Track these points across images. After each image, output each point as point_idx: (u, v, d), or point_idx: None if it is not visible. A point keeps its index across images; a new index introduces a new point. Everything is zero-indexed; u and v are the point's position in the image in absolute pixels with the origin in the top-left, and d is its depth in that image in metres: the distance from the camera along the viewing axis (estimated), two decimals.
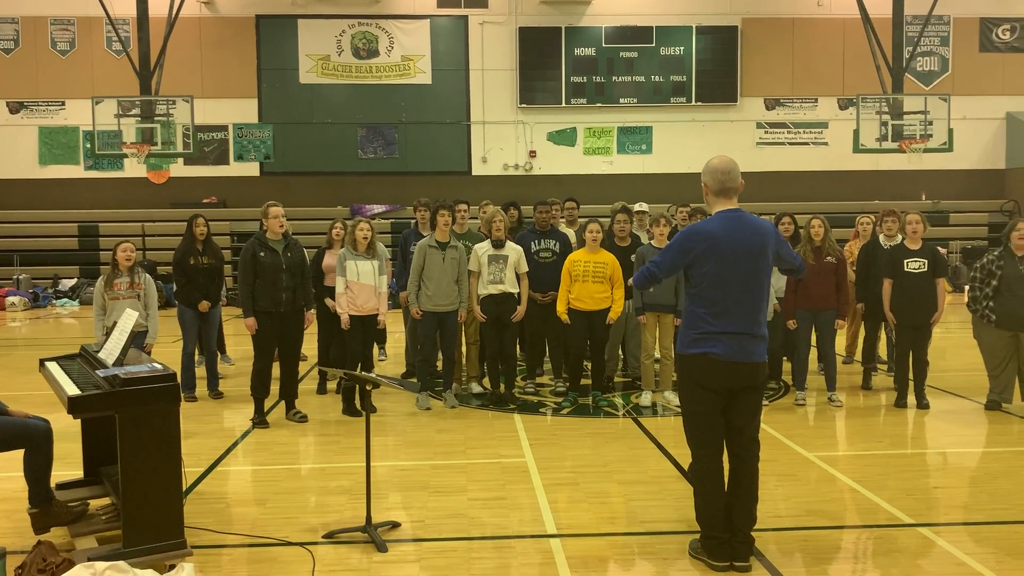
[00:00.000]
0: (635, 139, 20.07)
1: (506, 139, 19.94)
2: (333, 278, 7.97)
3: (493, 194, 13.76)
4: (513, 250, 8.09)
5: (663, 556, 4.58)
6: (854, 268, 8.77)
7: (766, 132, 20.18)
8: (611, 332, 8.22)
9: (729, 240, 4.30)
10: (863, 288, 8.48)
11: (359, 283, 7.61)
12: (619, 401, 8.26)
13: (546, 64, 19.68)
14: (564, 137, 20.03)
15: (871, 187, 19.66)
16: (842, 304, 7.94)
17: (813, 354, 8.44)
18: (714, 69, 19.78)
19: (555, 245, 8.49)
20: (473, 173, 19.87)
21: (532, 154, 19.93)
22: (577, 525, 5.04)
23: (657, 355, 8.17)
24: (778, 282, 8.18)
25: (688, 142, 19.54)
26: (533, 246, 8.44)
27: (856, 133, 16.83)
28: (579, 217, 9.76)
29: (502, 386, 8.19)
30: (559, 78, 19.72)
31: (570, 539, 4.82)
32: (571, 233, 9.13)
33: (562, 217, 9.54)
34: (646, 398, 8.09)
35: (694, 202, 9.76)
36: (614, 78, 19.78)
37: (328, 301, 8.16)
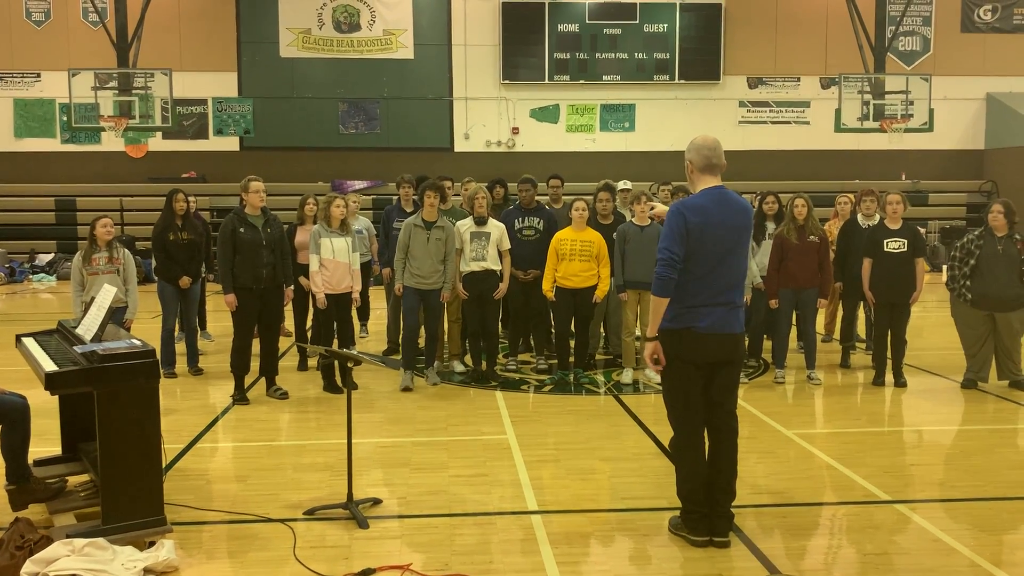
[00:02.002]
0: (618, 117, 20.00)
1: (489, 115, 19.81)
2: (306, 255, 7.88)
3: (475, 171, 13.69)
4: (495, 227, 8.05)
5: (643, 532, 4.62)
6: (833, 247, 8.81)
7: (748, 111, 20.16)
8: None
9: (717, 216, 4.34)
10: (841, 267, 8.53)
11: (334, 260, 7.52)
12: (600, 379, 8.29)
13: (529, 40, 19.51)
14: (547, 114, 19.93)
15: (852, 167, 19.71)
16: (824, 283, 7.98)
17: (793, 332, 8.50)
18: (697, 47, 19.67)
19: (539, 223, 8.46)
20: (455, 149, 19.74)
21: (515, 131, 19.83)
22: (558, 501, 5.07)
23: (637, 332, 8.20)
24: (761, 260, 8.22)
25: (671, 120, 19.48)
26: (517, 223, 8.42)
27: (838, 112, 16.87)
28: (562, 195, 9.74)
29: (484, 364, 8.19)
30: (542, 54, 19.56)
31: (551, 515, 4.85)
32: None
33: (544, 194, 9.49)
34: (627, 376, 8.12)
35: (676, 180, 9.75)
36: (597, 55, 19.65)
37: (302, 280, 8.06)
